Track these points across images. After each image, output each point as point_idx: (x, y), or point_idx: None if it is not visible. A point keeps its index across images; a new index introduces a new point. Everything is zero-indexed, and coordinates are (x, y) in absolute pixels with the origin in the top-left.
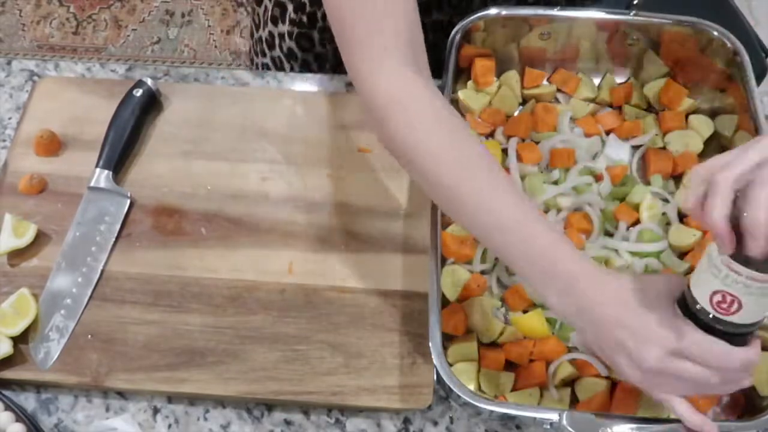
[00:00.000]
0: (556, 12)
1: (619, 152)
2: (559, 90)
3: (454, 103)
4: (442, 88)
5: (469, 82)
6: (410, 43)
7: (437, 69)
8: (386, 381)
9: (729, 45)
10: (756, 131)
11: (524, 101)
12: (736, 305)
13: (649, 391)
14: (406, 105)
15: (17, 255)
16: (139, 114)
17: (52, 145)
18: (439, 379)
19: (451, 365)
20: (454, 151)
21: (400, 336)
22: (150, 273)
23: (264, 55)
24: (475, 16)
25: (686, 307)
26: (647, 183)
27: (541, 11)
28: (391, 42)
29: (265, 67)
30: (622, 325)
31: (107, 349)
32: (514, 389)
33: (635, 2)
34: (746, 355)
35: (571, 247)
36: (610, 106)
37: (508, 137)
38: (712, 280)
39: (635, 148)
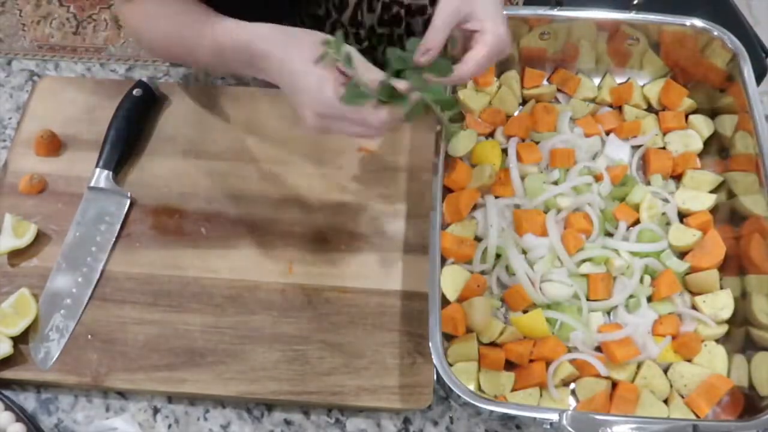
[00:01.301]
0: (556, 12)
1: (619, 152)
2: (559, 90)
3: None
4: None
5: (469, 82)
6: None
7: None
8: (386, 381)
9: (729, 45)
10: (756, 131)
11: (524, 101)
12: None
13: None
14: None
15: (17, 255)
16: (139, 114)
17: (52, 145)
18: (439, 379)
19: (451, 365)
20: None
21: (400, 336)
22: (150, 273)
23: None
24: None
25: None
26: (647, 183)
27: (541, 11)
28: None
29: None
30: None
31: (107, 349)
32: (514, 389)
33: (635, 2)
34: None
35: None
36: (610, 106)
37: (508, 137)
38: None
39: (635, 148)
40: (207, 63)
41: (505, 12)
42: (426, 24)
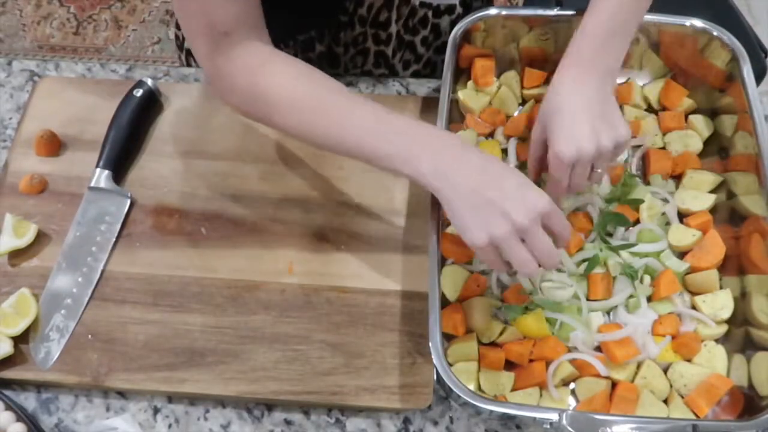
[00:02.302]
0: (556, 12)
1: None
2: None
3: (454, 103)
4: (442, 88)
5: (469, 82)
6: (246, 19)
7: None
8: (386, 381)
9: (729, 45)
10: (755, 131)
11: (524, 101)
12: None
13: (480, 255)
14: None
15: (18, 255)
16: (139, 114)
17: (53, 145)
18: (439, 379)
19: (451, 365)
20: (311, 86)
21: (400, 336)
22: (150, 273)
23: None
24: (476, 16)
25: None
26: (647, 183)
27: (540, 11)
28: (229, 26)
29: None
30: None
31: (107, 349)
32: (514, 389)
33: None
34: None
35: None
36: None
37: (508, 137)
38: None
39: (635, 148)
40: (349, 142)
41: (504, 12)
42: (453, 24)
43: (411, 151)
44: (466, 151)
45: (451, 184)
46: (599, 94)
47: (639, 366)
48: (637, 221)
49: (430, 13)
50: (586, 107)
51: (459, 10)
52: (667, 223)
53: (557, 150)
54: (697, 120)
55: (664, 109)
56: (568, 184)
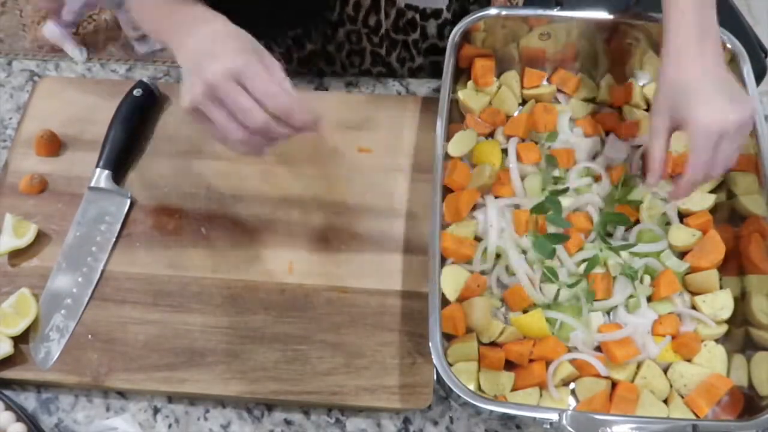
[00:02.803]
0: (556, 12)
1: (618, 152)
2: (558, 90)
3: (454, 103)
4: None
5: (469, 82)
6: None
7: None
8: (386, 381)
9: (728, 45)
10: (755, 131)
11: (524, 101)
12: None
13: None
14: None
15: (18, 255)
16: (139, 114)
17: (53, 145)
18: (439, 379)
19: (451, 365)
20: None
21: (400, 336)
22: (150, 273)
23: None
24: (476, 16)
25: None
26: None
27: (540, 11)
28: None
29: None
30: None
31: (107, 349)
32: (514, 389)
33: (635, 2)
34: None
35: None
36: (610, 106)
37: (508, 137)
38: None
39: (635, 148)
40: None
41: (504, 12)
42: (440, 28)
43: (180, 26)
44: (218, 27)
45: (182, 48)
46: (722, 69)
47: (639, 366)
48: (637, 221)
49: (417, 16)
50: (719, 82)
51: (446, 15)
52: (667, 223)
53: (702, 123)
54: None
55: None
56: (712, 164)
